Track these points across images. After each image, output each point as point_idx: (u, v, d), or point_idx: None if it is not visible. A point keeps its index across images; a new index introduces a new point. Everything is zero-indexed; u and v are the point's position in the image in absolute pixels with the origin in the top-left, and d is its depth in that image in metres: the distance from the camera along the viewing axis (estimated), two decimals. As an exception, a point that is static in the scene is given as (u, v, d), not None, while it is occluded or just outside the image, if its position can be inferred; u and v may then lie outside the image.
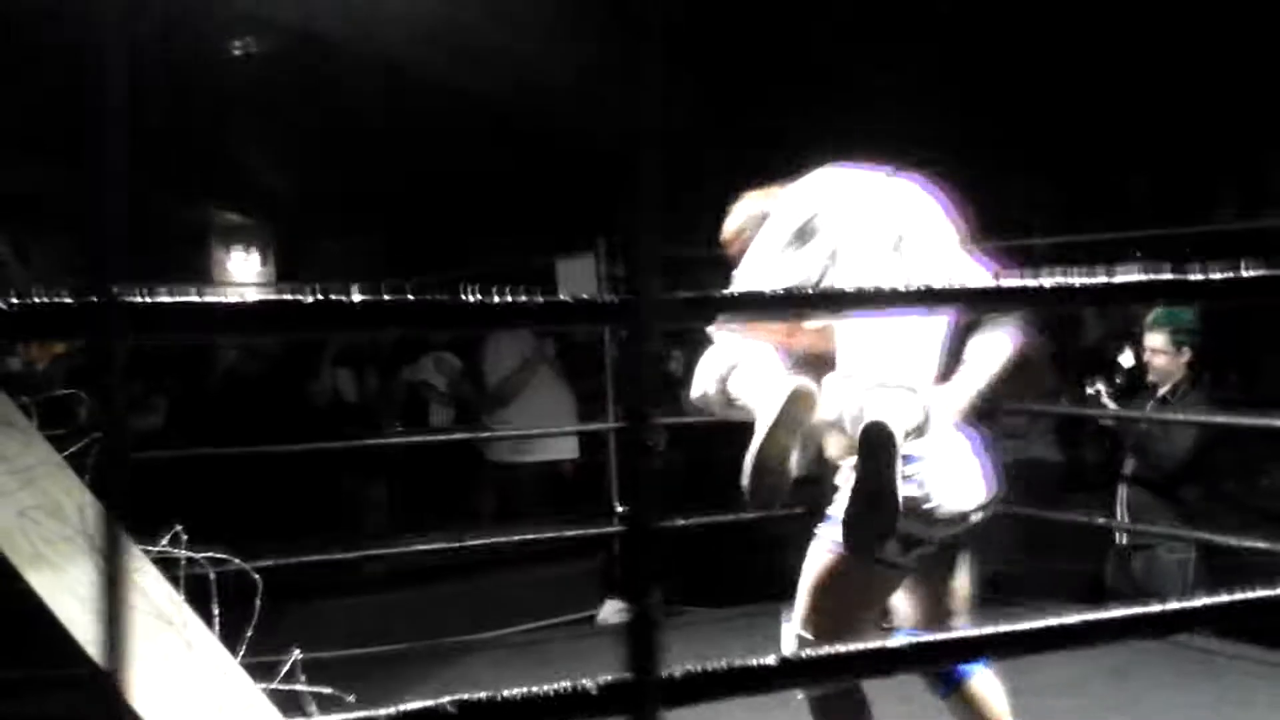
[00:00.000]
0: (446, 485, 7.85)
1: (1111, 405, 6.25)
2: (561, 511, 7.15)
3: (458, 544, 6.33)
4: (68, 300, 1.11)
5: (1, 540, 3.72)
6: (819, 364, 3.24)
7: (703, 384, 3.43)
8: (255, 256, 12.25)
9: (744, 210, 3.61)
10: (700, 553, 6.70)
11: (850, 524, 3.08)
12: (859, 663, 1.39)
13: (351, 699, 4.46)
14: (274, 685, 4.31)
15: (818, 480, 3.49)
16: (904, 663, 1.35)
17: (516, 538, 6.46)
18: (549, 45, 8.72)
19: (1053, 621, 1.41)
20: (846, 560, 3.19)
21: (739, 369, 3.30)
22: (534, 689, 1.09)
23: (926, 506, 3.17)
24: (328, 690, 4.40)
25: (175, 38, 7.91)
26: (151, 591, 3.98)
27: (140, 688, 3.65)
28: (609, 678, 1.12)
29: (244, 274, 12.09)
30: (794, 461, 3.20)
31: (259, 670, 4.37)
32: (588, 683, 1.08)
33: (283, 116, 9.60)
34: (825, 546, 3.25)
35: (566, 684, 1.06)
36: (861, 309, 1.74)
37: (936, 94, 8.35)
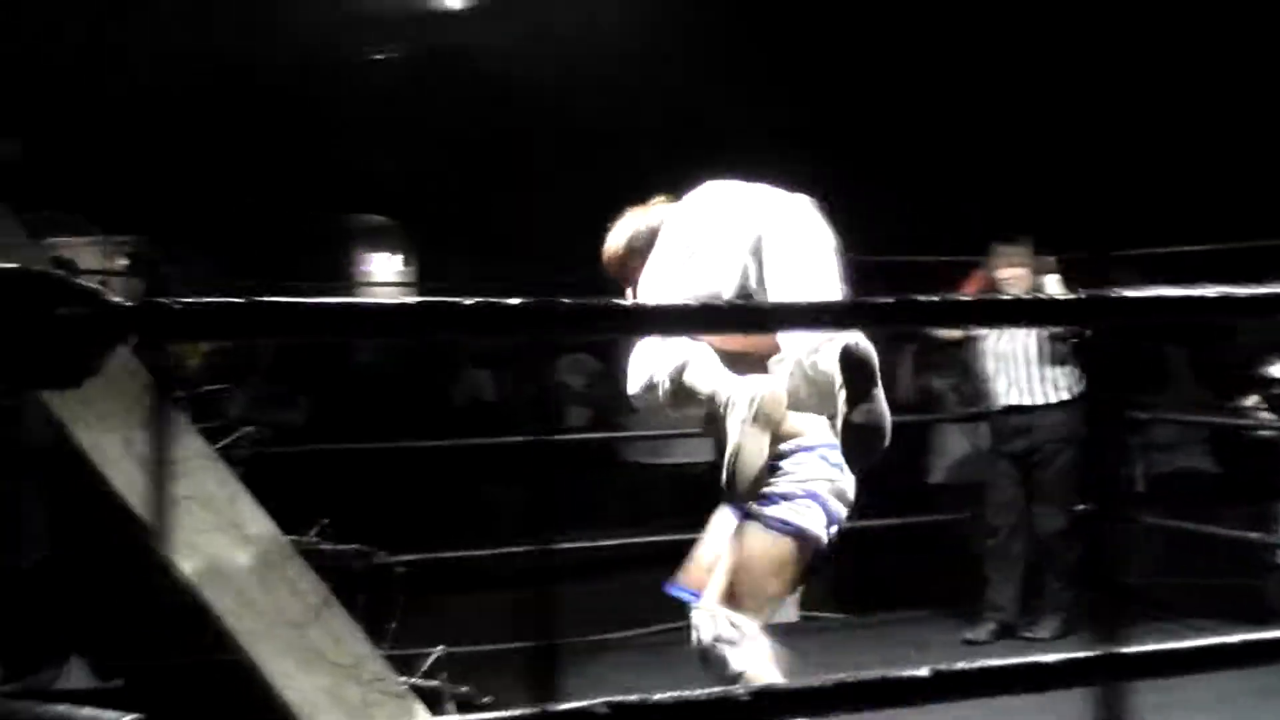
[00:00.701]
0: (582, 486, 7.90)
1: (1268, 416, 6.05)
2: (695, 514, 7.13)
3: (592, 544, 6.36)
4: (225, 301, 1.13)
5: (158, 529, 3.82)
6: (750, 360, 3.28)
7: (648, 378, 3.39)
8: (397, 258, 12.46)
9: (629, 226, 3.62)
10: (843, 559, 6.66)
11: (848, 448, 3.07)
12: (1014, 678, 1.35)
13: (489, 699, 4.50)
14: (415, 680, 4.37)
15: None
16: (1060, 678, 1.31)
17: (651, 539, 6.46)
18: (682, 49, 8.75)
19: (1208, 642, 1.37)
20: (792, 544, 3.23)
21: (693, 364, 3.29)
22: (685, 693, 1.09)
23: (846, 490, 3.31)
24: (464, 689, 4.45)
25: (320, 47, 8.10)
26: (300, 584, 4.07)
27: (288, 678, 3.73)
28: (758, 684, 1.11)
29: (385, 275, 12.30)
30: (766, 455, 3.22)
31: (400, 664, 4.44)
32: (739, 690, 1.07)
33: (419, 121, 9.75)
34: (769, 530, 3.25)
35: (718, 690, 1.05)
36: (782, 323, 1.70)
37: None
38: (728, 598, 3.25)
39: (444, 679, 4.58)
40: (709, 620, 3.23)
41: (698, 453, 7.76)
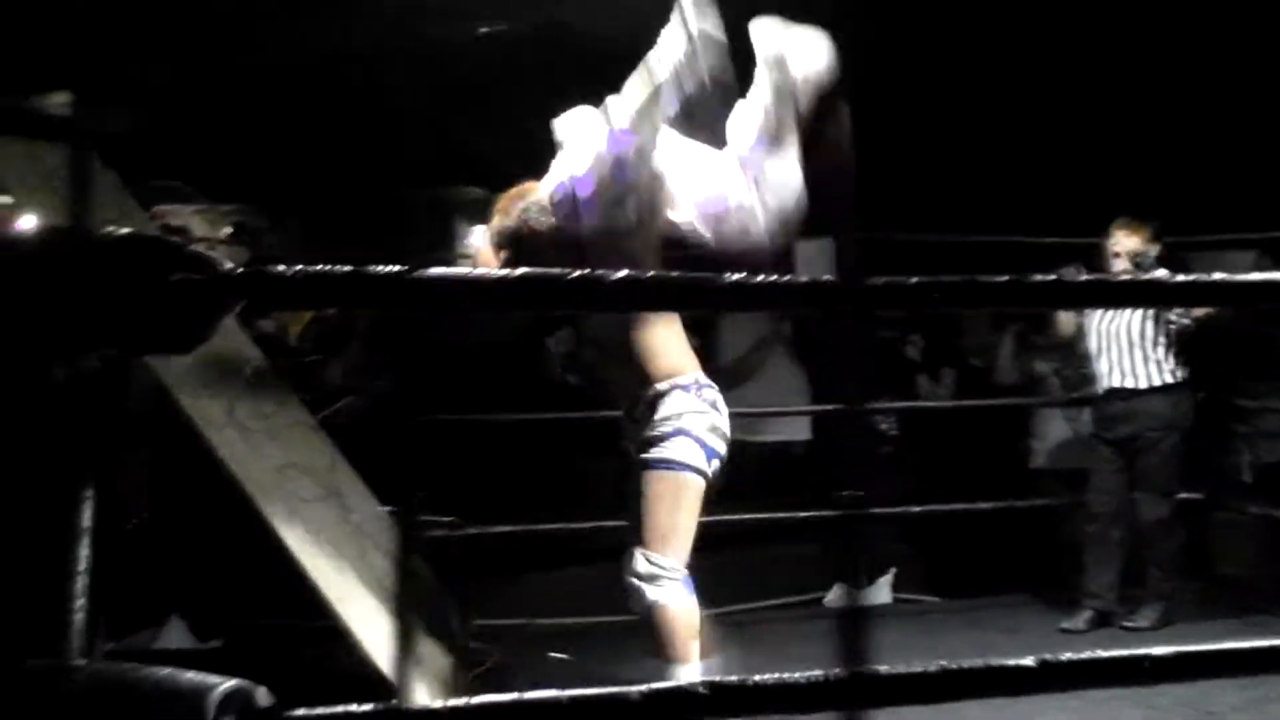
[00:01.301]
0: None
1: None
2: (791, 493, 7.11)
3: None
4: (332, 270, 1.14)
5: (259, 495, 3.88)
6: None
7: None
8: (496, 230, 12.53)
9: (511, 211, 3.81)
10: (939, 542, 6.61)
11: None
12: (1115, 670, 1.32)
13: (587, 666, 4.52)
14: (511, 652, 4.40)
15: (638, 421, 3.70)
16: (1163, 673, 1.29)
17: (745, 516, 6.45)
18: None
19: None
20: (689, 479, 3.56)
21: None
22: (786, 675, 1.07)
23: (720, 425, 3.68)
24: (563, 656, 4.46)
25: (426, 21, 8.14)
26: (394, 553, 4.11)
27: (379, 644, 3.78)
28: (861, 667, 1.10)
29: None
30: None
31: (497, 634, 4.49)
32: (839, 671, 1.06)
33: (521, 95, 9.77)
34: (654, 470, 3.57)
35: (819, 672, 1.04)
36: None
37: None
38: (650, 541, 3.53)
39: (538, 648, 4.61)
40: (629, 560, 3.55)
41: (792, 431, 7.73)
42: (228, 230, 8.34)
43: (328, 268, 1.14)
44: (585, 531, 6.49)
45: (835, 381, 7.26)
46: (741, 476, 7.31)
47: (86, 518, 2.43)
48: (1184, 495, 5.74)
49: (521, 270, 1.18)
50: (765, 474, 7.50)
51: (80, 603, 2.25)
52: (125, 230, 1.22)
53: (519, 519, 5.94)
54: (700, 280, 1.14)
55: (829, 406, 7.48)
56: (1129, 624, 5.43)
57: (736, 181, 3.39)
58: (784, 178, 3.39)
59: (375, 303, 1.16)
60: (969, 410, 8.02)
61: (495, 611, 5.43)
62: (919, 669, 1.10)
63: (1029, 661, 1.12)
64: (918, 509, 6.31)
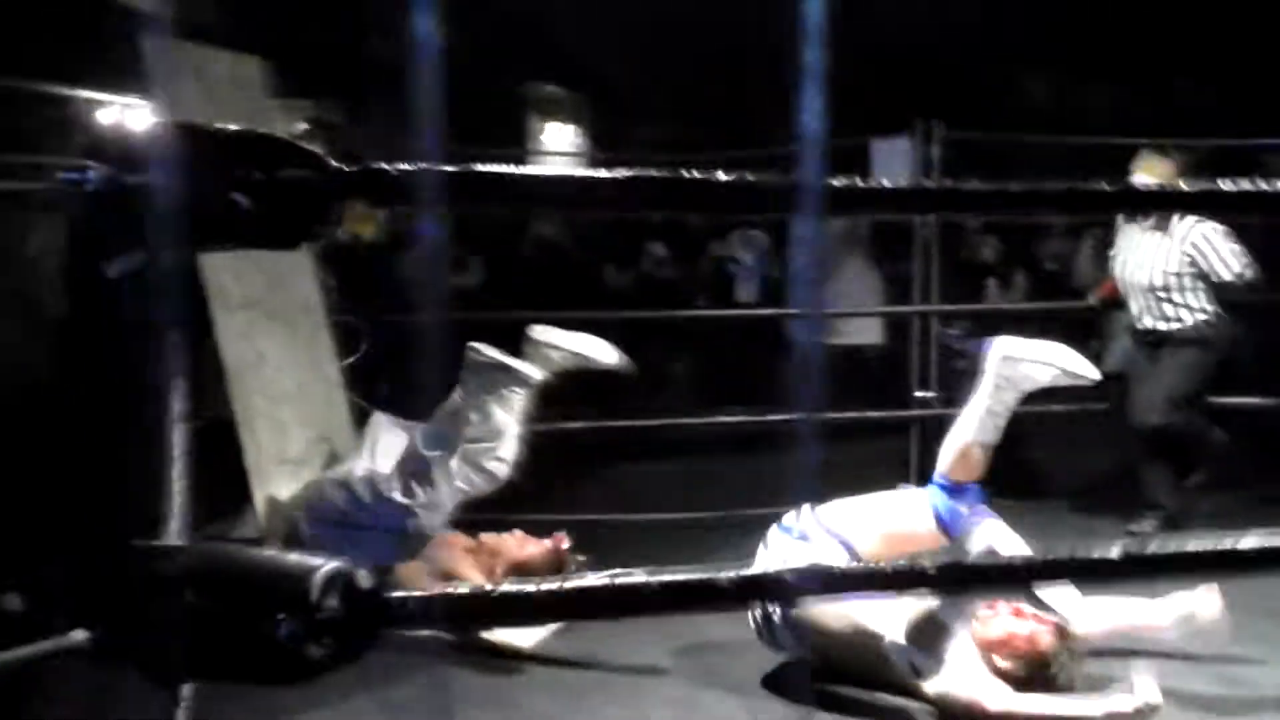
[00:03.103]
0: (749, 362, 7.92)
1: None
2: (864, 394, 7.12)
3: (755, 419, 6.41)
4: (441, 169, 1.17)
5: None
6: None
7: None
8: (570, 129, 12.50)
9: None
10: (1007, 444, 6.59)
11: None
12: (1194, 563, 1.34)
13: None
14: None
15: None
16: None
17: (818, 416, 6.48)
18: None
19: None
20: None
21: None
22: (879, 567, 1.11)
23: None
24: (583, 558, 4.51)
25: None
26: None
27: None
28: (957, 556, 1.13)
29: (559, 145, 12.35)
30: None
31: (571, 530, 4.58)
32: (942, 558, 1.09)
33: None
34: None
35: (917, 560, 1.07)
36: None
37: None
38: None
39: (601, 546, 4.68)
40: None
41: (869, 333, 7.73)
42: (302, 126, 8.39)
43: (439, 166, 1.17)
44: (656, 429, 6.58)
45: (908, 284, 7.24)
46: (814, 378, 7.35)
47: (180, 403, 2.51)
48: (1249, 401, 5.75)
49: (626, 171, 1.20)
50: (837, 375, 7.51)
51: (180, 485, 2.33)
52: (237, 126, 1.25)
53: (590, 415, 6.01)
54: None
55: (903, 308, 7.47)
56: (1133, 529, 5.41)
57: None
58: None
59: (485, 200, 1.19)
60: (1040, 314, 7.97)
61: (571, 506, 5.53)
62: (1011, 560, 1.13)
63: (1113, 553, 1.15)
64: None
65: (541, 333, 4.54)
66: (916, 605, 3.50)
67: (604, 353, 4.53)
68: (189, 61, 4.42)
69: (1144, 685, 3.28)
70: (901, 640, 3.49)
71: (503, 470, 4.48)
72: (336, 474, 4.43)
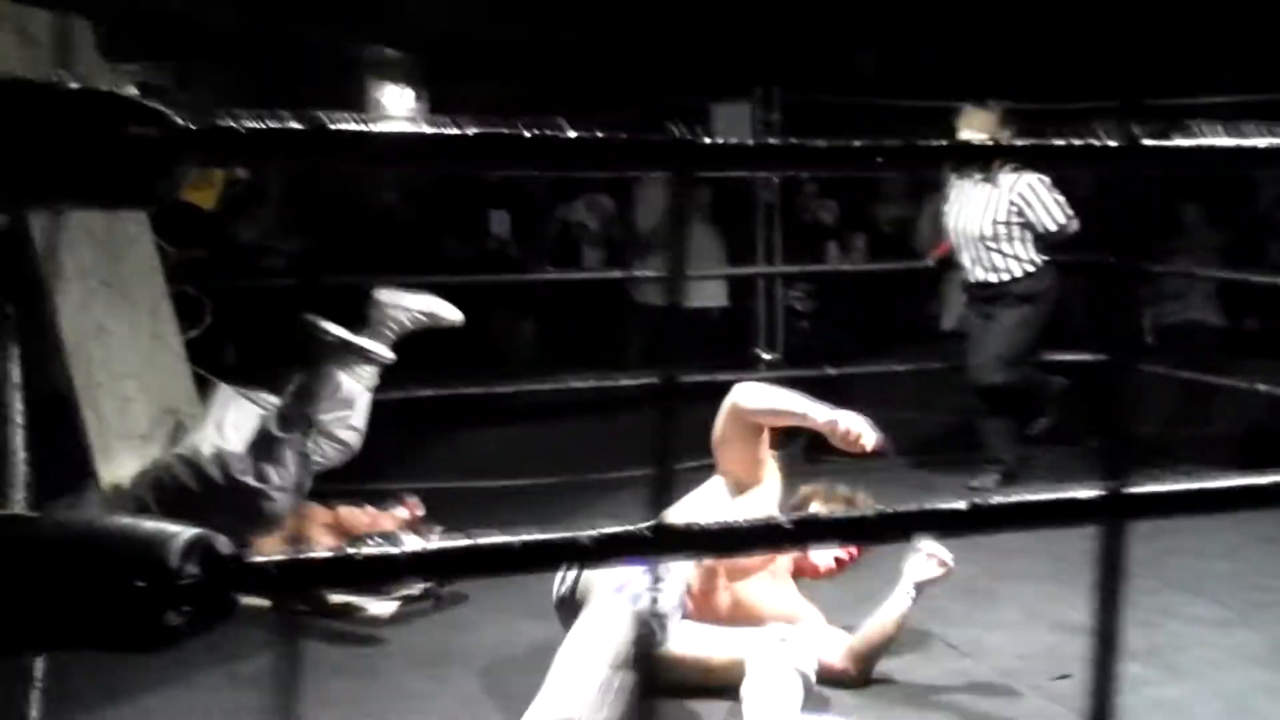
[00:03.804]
0: (595, 326, 7.93)
1: None
2: (707, 357, 7.19)
3: (604, 383, 6.43)
4: (289, 126, 1.15)
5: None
6: None
7: None
8: (409, 92, 12.32)
9: None
10: (854, 405, 6.71)
11: None
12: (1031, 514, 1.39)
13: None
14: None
15: None
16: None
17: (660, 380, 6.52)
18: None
19: (1212, 484, 1.40)
20: None
21: None
22: (732, 520, 1.13)
23: None
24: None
25: None
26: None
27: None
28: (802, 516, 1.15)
29: (396, 109, 12.17)
30: None
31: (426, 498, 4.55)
32: (783, 520, 1.11)
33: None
34: None
35: (772, 516, 1.09)
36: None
37: None
38: None
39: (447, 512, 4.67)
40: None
41: (709, 296, 7.80)
42: (132, 90, 8.14)
43: (286, 123, 1.15)
44: (501, 395, 6.56)
45: (750, 247, 7.33)
46: (661, 341, 7.40)
47: (15, 370, 2.43)
48: (1080, 357, 5.96)
49: (475, 130, 1.19)
50: (685, 339, 7.56)
51: (22, 455, 2.25)
52: (76, 84, 1.21)
53: (437, 382, 5.96)
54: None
55: (745, 270, 7.56)
56: (973, 484, 5.58)
57: None
58: None
59: (334, 157, 1.17)
60: (880, 275, 8.15)
61: (415, 474, 5.49)
62: (861, 513, 1.16)
63: (961, 505, 1.18)
64: (834, 371, 6.42)
65: (386, 295, 4.50)
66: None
67: (449, 311, 4.54)
68: (11, 20, 4.26)
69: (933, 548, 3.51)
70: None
71: (355, 439, 4.43)
72: (184, 450, 4.31)
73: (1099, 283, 6.81)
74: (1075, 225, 5.58)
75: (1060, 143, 1.43)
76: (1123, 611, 0.99)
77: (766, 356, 6.83)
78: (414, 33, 11.26)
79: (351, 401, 4.38)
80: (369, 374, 4.43)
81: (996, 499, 1.29)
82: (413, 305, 4.47)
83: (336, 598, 3.95)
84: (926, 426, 6.45)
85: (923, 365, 6.58)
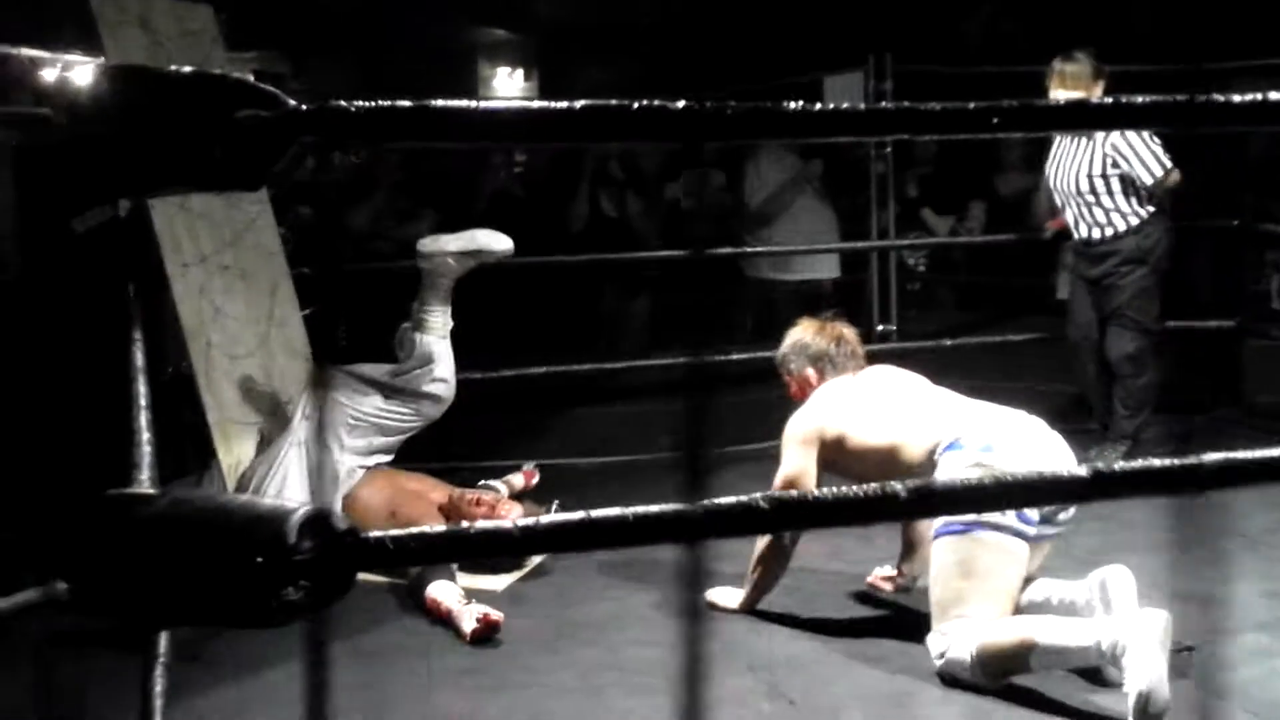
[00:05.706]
0: (706, 302, 7.91)
1: None
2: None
3: (718, 358, 6.42)
4: (397, 105, 1.16)
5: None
6: None
7: None
8: (519, 74, 12.40)
9: None
10: (975, 372, 6.64)
11: None
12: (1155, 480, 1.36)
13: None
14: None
15: None
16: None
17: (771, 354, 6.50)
18: None
19: None
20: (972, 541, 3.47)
21: None
22: (845, 489, 1.12)
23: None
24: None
25: None
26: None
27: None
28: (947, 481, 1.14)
29: (508, 91, 12.26)
30: None
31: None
32: (898, 486, 1.10)
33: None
34: (944, 538, 3.50)
35: (877, 486, 1.08)
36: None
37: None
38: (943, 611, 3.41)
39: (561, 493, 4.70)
40: (931, 640, 3.40)
41: (821, 269, 7.75)
42: (249, 77, 8.28)
43: (391, 102, 1.16)
44: (614, 372, 6.58)
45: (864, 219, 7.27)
46: (774, 314, 7.38)
47: (140, 357, 2.50)
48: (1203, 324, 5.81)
49: (581, 103, 1.19)
50: (797, 312, 7.52)
51: (147, 436, 2.32)
52: (190, 68, 1.23)
53: (550, 361, 6.01)
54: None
55: (859, 244, 7.50)
56: (1095, 453, 5.44)
57: None
58: None
59: (440, 135, 1.18)
60: (996, 245, 8.02)
61: (533, 451, 5.54)
62: (977, 481, 1.14)
63: (1083, 471, 1.16)
64: (950, 342, 6.35)
65: (427, 243, 4.47)
66: None
67: (496, 240, 4.46)
68: (135, 11, 4.36)
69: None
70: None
71: (446, 390, 4.47)
72: (294, 435, 4.39)
73: (1224, 247, 6.61)
74: (1176, 176, 5.37)
75: (1182, 99, 1.39)
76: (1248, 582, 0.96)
77: (882, 329, 6.78)
78: (525, 15, 11.32)
79: (429, 355, 4.43)
80: (440, 324, 4.46)
81: (1119, 466, 1.27)
82: (459, 245, 4.41)
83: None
84: (1044, 397, 6.34)
85: (1040, 335, 6.46)
